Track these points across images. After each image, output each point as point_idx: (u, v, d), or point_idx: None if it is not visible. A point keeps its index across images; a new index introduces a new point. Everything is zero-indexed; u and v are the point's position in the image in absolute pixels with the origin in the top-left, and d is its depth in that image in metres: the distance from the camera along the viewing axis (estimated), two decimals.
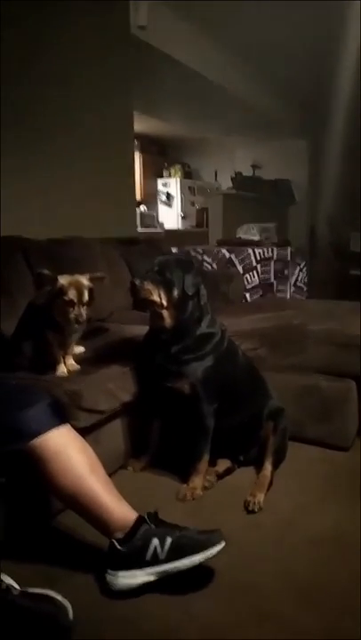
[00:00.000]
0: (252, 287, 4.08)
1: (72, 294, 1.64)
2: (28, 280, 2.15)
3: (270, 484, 1.76)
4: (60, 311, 1.67)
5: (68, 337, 1.77)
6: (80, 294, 1.65)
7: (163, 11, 3.75)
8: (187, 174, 8.28)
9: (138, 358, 1.87)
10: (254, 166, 7.04)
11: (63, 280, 1.66)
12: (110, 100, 3.35)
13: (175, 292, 1.68)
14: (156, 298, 1.68)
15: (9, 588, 1.12)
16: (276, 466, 1.82)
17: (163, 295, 1.68)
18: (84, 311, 1.66)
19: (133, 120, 3.76)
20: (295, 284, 4.45)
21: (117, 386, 1.78)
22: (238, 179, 6.61)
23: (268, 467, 1.79)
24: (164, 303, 1.69)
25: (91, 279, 1.70)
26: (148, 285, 1.67)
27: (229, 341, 1.88)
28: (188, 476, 1.78)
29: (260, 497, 1.67)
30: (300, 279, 4.49)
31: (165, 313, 1.71)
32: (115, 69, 3.37)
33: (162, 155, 8.31)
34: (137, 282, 1.68)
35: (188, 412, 1.79)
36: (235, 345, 1.93)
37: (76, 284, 1.66)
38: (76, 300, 1.64)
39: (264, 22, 4.03)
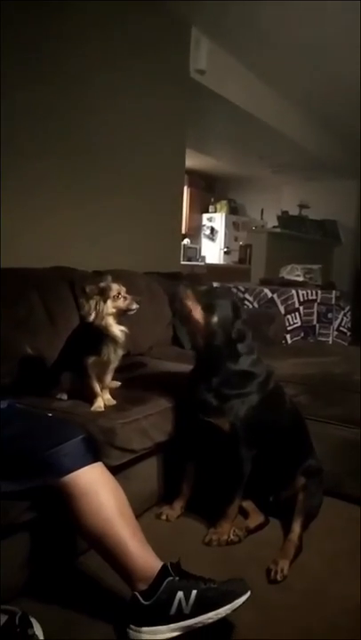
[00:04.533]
0: (294, 329, 4.01)
1: (115, 288, 1.72)
2: (73, 310, 2.17)
3: (299, 548, 1.64)
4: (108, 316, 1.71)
5: (110, 358, 1.76)
6: (120, 287, 1.74)
7: (220, 54, 3.86)
8: (232, 210, 8.35)
9: (183, 392, 1.84)
10: (301, 206, 7.01)
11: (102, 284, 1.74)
12: (164, 137, 3.44)
13: (215, 318, 1.68)
14: (191, 306, 1.68)
15: (35, 637, 1.09)
16: (304, 527, 1.72)
17: (201, 313, 1.68)
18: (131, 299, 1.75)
19: (185, 156, 3.84)
20: (338, 329, 4.35)
21: (152, 425, 1.75)
22: (284, 217, 6.60)
23: (295, 529, 1.68)
24: (200, 320, 1.68)
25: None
26: (190, 293, 1.69)
27: (277, 386, 1.83)
28: (216, 520, 1.72)
29: (284, 564, 1.56)
30: (343, 323, 4.39)
31: (201, 332, 1.70)
32: (171, 108, 3.47)
33: (209, 190, 8.43)
34: (181, 287, 1.72)
35: (225, 455, 1.74)
36: (282, 391, 1.87)
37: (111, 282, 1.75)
38: (123, 292, 1.73)
39: (316, 65, 4.08)
